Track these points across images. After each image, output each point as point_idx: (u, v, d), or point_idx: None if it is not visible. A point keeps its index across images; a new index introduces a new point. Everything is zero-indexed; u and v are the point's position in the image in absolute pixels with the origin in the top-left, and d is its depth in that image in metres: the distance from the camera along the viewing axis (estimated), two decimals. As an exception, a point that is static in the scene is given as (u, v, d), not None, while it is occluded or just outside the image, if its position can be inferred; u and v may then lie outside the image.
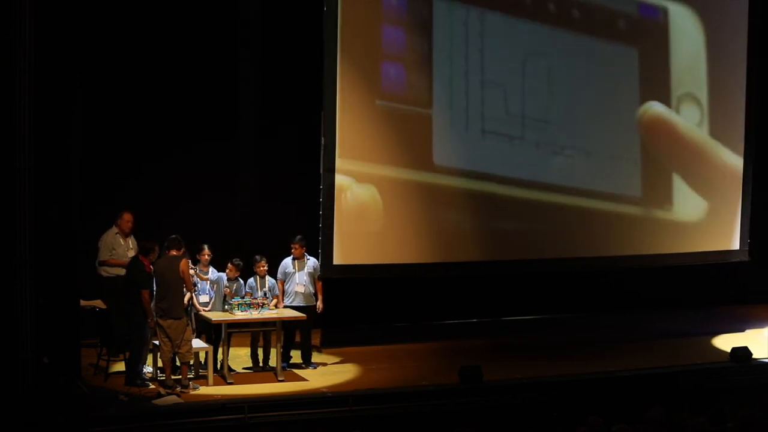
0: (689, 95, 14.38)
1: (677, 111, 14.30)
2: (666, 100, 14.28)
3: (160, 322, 10.63)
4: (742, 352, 12.07)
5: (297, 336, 11.79)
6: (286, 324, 11.47)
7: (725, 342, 13.04)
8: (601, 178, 13.92)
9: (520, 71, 13.45)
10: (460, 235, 13.23)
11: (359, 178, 12.59)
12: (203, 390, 10.73)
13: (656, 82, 14.24)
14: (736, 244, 14.72)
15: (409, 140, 12.86)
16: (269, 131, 13.30)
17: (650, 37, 14.22)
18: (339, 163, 12.38)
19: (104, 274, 11.70)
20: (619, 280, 14.61)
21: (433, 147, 12.97)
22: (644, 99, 14.15)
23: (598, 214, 13.92)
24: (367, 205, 12.66)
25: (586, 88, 13.82)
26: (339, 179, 12.39)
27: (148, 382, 10.78)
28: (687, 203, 14.42)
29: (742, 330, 13.82)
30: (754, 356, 12.08)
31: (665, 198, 14.32)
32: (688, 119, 14.39)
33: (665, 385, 11.37)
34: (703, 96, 14.47)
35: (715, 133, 14.53)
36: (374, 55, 12.66)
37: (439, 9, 12.94)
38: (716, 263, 14.72)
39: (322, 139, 12.39)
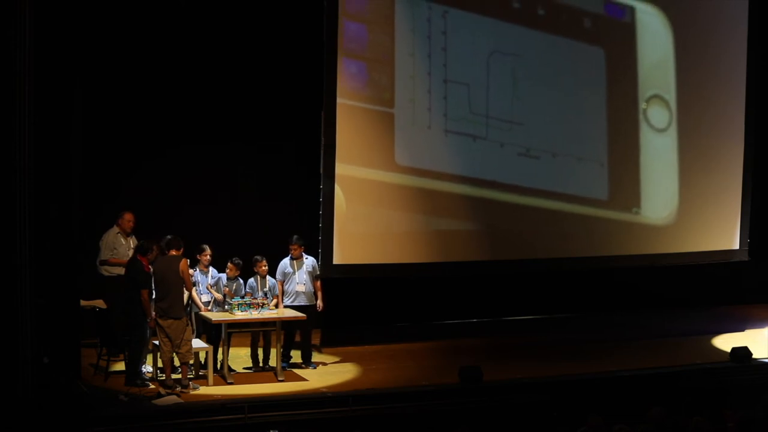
0: (657, 97, 14.15)
1: (645, 114, 14.08)
2: (633, 101, 14.03)
3: (160, 321, 10.62)
4: (742, 352, 12.07)
5: (297, 336, 11.79)
6: (286, 324, 11.47)
7: (725, 342, 13.04)
8: (565, 180, 13.67)
9: (484, 70, 13.20)
10: (459, 236, 13.22)
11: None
12: (203, 390, 10.72)
13: (623, 82, 13.98)
14: (735, 244, 14.69)
15: (371, 139, 12.65)
16: (269, 131, 13.29)
17: (617, 37, 13.97)
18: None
19: (105, 273, 11.70)
20: (619, 280, 14.61)
21: (395, 147, 12.77)
22: (611, 100, 13.89)
23: (564, 216, 13.66)
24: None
25: (551, 88, 13.56)
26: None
27: (148, 382, 10.77)
28: (655, 205, 14.21)
29: (742, 330, 13.82)
30: (754, 356, 12.09)
31: (633, 200, 14.07)
32: (656, 122, 14.16)
33: (666, 385, 11.37)
34: (672, 98, 14.22)
35: (683, 136, 14.25)
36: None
37: (401, 5, 12.70)
38: (716, 263, 14.72)
39: (323, 139, 12.41)
